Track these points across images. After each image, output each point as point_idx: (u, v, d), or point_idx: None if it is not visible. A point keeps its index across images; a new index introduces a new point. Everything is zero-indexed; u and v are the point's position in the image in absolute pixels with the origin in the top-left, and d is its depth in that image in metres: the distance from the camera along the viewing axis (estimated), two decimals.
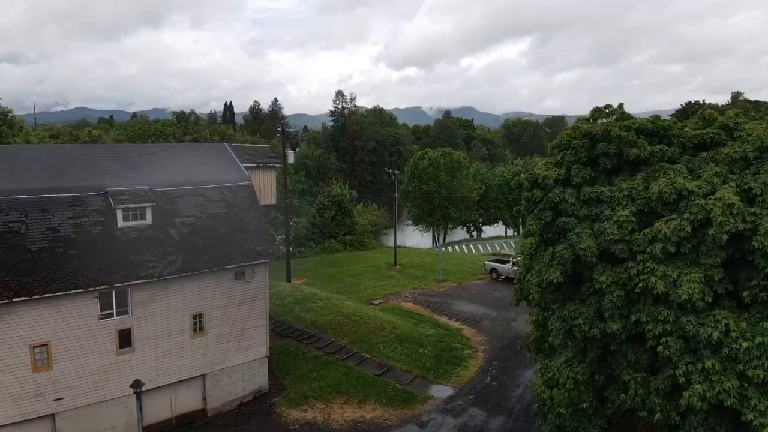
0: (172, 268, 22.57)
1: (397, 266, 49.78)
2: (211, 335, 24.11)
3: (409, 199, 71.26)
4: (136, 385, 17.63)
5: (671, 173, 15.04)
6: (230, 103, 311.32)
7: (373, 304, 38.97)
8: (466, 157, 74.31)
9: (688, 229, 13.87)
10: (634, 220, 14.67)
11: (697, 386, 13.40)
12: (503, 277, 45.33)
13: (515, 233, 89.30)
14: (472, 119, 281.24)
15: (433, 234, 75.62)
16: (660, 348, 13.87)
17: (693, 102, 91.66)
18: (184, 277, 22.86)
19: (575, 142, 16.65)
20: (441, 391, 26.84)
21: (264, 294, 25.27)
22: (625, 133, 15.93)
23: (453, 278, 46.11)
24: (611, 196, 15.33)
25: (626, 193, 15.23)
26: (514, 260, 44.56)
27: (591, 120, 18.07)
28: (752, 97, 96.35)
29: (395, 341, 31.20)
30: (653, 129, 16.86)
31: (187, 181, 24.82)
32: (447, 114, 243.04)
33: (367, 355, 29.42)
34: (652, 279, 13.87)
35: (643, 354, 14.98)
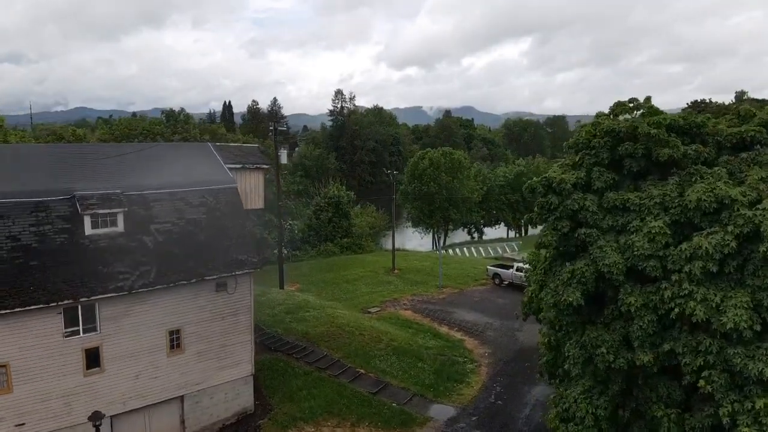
0: (146, 279, 20.47)
1: (396, 271, 47.69)
2: (190, 353, 22.00)
3: (408, 200, 69.16)
4: (95, 417, 15.54)
5: (710, 178, 12.94)
6: (229, 102, 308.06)
7: (369, 312, 36.89)
8: (467, 157, 72.23)
9: (733, 244, 11.79)
10: (668, 232, 12.58)
11: (745, 429, 11.34)
12: (506, 282, 43.24)
13: (517, 235, 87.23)
14: (473, 119, 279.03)
15: (433, 236, 73.55)
16: (702, 383, 11.79)
17: (699, 101, 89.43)
18: (158, 290, 20.75)
19: (596, 140, 14.53)
20: (441, 412, 24.73)
21: (248, 307, 23.16)
22: (654, 131, 13.80)
23: (454, 284, 44.01)
24: (640, 204, 13.21)
25: (658, 201, 13.12)
26: (520, 266, 42.48)
27: (611, 116, 15.91)
28: (755, 97, 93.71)
29: (392, 354, 29.10)
30: (685, 126, 14.69)
31: (164, 184, 22.71)
32: (447, 114, 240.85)
33: (362, 371, 27.31)
34: (691, 303, 11.80)
35: (677, 388, 12.89)
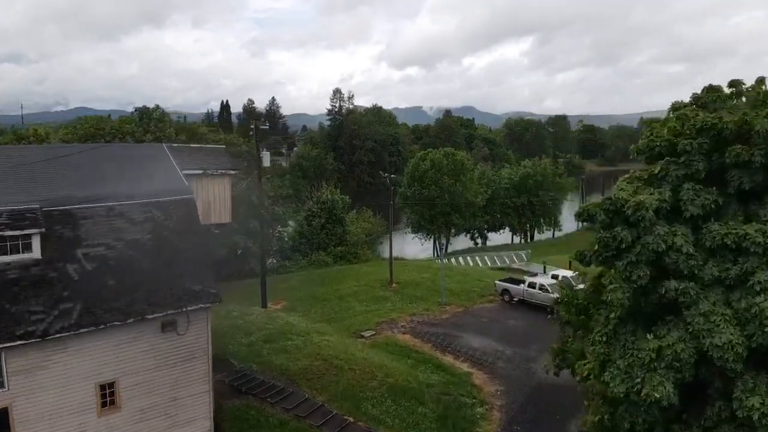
0: (66, 321, 15.91)
1: (394, 285, 43.05)
2: (129, 411, 17.40)
3: (408, 204, 64.60)
4: None
5: None
6: (227, 102, 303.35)
7: (363, 336, 32.30)
8: (471, 159, 67.68)
9: None
10: None
11: None
12: (516, 299, 38.64)
13: (522, 240, 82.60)
14: (473, 119, 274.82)
15: (434, 243, 69.04)
16: None
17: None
18: (84, 334, 16.19)
19: (685, 142, 9.89)
20: None
21: (204, 350, 18.56)
22: None
23: (458, 300, 39.38)
24: (766, 244, 8.59)
25: None
26: (532, 281, 37.89)
27: (697, 106, 11.26)
28: None
29: (388, 396, 24.49)
30: None
31: (99, 196, 18.14)
32: (448, 113, 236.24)
33: (351, 419, 22.71)
34: None
35: None
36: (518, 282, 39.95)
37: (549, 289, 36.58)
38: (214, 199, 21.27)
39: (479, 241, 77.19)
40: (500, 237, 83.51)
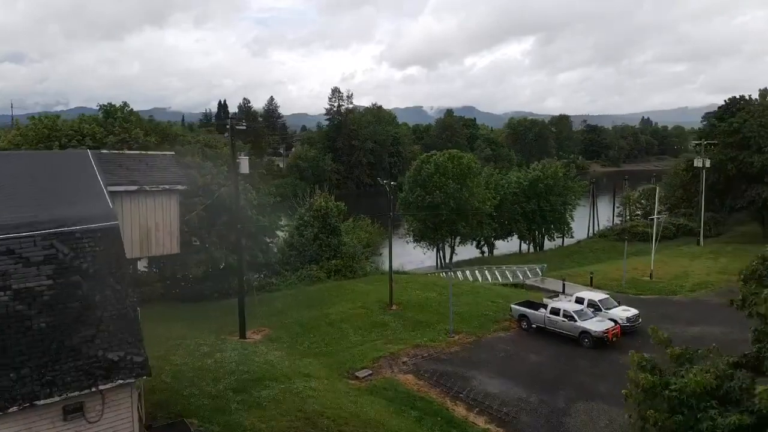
0: None
1: (394, 307, 37.81)
2: None
3: (410, 211, 59.41)
4: None
5: None
6: (224, 102, 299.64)
7: (357, 377, 27.08)
8: (477, 162, 62.44)
9: None
10: None
11: None
12: (534, 326, 33.44)
13: (531, 249, 77.29)
14: (475, 118, 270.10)
15: (438, 254, 63.89)
16: None
17: (738, 97, 79.75)
18: None
19: None
20: None
21: None
22: None
23: (468, 328, 34.16)
24: None
25: None
26: (555, 307, 32.67)
27: None
28: (756, 97, 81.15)
29: None
30: None
31: None
32: (449, 113, 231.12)
33: None
34: None
35: None
36: (538, 306, 34.74)
37: (575, 316, 31.38)
38: (156, 224, 16.02)
39: (485, 249, 71.86)
40: (507, 245, 78.25)
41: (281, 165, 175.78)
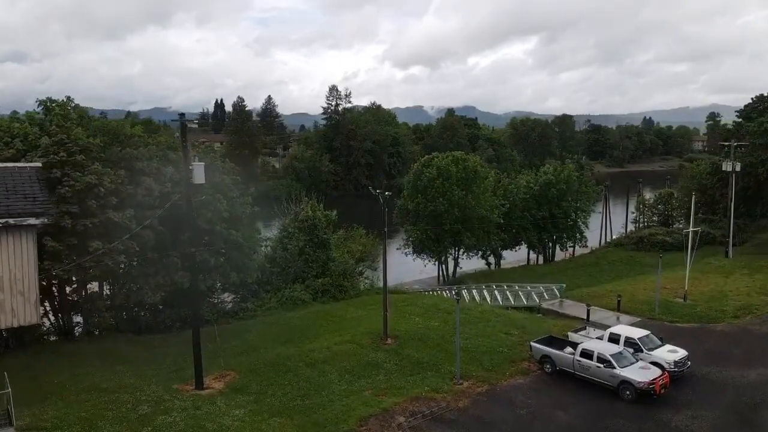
0: None
1: (389, 340, 31.62)
2: None
3: (409, 220, 53.26)
4: None
5: None
6: (221, 101, 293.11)
7: None
8: (484, 165, 56.13)
9: None
10: None
11: None
12: (558, 369, 27.30)
13: (539, 259, 70.98)
14: (476, 118, 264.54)
15: (440, 267, 57.70)
16: None
17: (766, 95, 73.56)
18: None
19: None
20: None
21: None
22: None
23: (479, 370, 27.99)
24: None
25: None
26: (588, 348, 26.46)
27: None
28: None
29: None
30: None
31: None
32: (450, 112, 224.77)
33: None
34: None
35: None
36: (563, 343, 28.56)
37: (613, 362, 25.19)
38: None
39: (492, 260, 65.56)
40: (515, 254, 71.90)
41: (277, 166, 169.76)
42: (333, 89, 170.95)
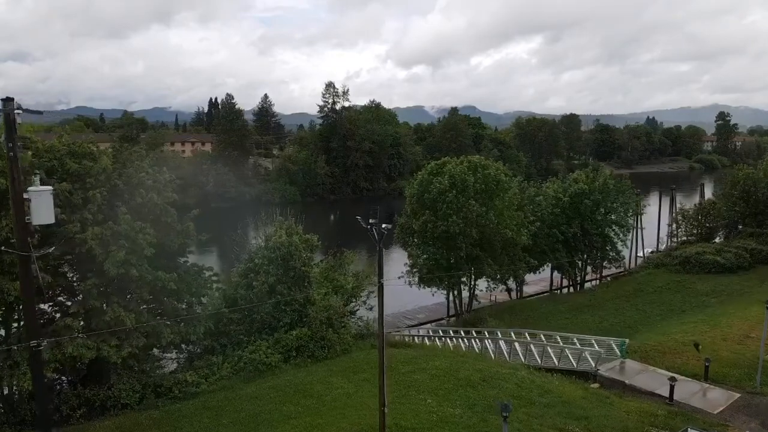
0: None
1: None
2: None
3: (414, 242, 42.31)
4: None
5: None
6: (215, 100, 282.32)
7: None
8: (508, 173, 44.98)
9: None
10: None
11: None
12: None
13: (570, 288, 59.86)
14: (479, 117, 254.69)
15: (453, 301, 46.55)
16: None
17: None
18: None
19: None
20: None
21: None
22: None
23: None
24: None
25: None
26: None
27: None
28: (760, 97, 65.75)
29: None
30: None
31: None
32: (454, 111, 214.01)
33: None
34: None
35: None
36: None
37: None
38: None
39: (514, 286, 54.48)
40: (531, 276, 60.50)
41: (270, 167, 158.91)
42: (329, 86, 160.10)
